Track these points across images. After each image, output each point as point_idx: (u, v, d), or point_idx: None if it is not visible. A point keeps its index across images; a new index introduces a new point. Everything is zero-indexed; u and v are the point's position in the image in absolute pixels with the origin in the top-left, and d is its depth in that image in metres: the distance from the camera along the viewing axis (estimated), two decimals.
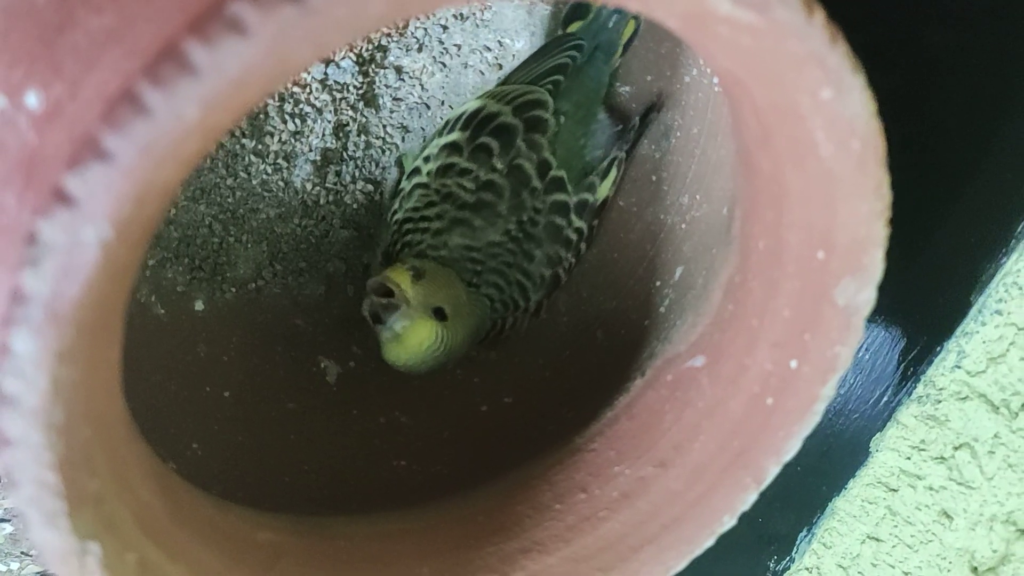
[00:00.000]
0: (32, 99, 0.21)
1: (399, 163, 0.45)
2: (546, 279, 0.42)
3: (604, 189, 0.42)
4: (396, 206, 0.42)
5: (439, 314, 0.38)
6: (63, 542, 0.21)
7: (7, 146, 0.22)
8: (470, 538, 0.33)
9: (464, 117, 0.40)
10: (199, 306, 0.43)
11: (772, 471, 0.30)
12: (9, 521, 0.58)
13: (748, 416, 0.31)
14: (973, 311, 0.39)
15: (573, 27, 0.41)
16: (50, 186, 0.20)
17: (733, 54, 0.23)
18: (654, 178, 0.43)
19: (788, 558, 0.46)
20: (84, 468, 0.21)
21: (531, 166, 0.40)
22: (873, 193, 0.25)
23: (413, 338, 0.38)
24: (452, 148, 0.40)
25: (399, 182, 0.43)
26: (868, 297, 0.27)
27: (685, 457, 0.32)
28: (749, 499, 0.31)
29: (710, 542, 0.31)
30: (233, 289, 0.43)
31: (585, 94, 0.41)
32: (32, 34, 0.21)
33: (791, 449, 0.30)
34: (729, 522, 0.31)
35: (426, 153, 0.41)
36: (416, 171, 0.41)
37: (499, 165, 0.40)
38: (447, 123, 0.41)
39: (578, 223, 0.41)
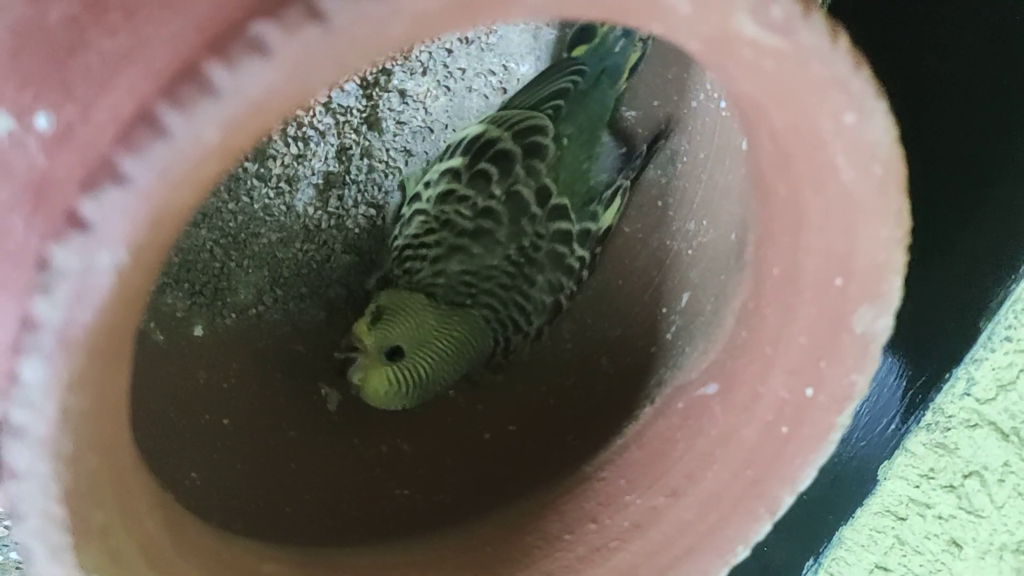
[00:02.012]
0: (42, 121, 0.21)
1: (402, 187, 0.44)
2: (547, 305, 0.41)
3: (608, 218, 0.41)
4: (396, 231, 0.42)
5: (394, 354, 0.39)
6: None
7: (15, 169, 0.21)
8: (479, 569, 0.32)
9: (464, 143, 0.40)
10: (199, 332, 0.42)
11: (787, 501, 0.30)
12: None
13: (762, 445, 0.30)
14: (982, 338, 0.38)
15: (578, 51, 0.41)
16: (63, 210, 0.19)
17: (755, 77, 0.22)
18: (660, 204, 0.43)
19: None
20: (91, 500, 0.20)
21: (529, 192, 0.40)
22: (894, 219, 0.25)
23: (369, 387, 0.39)
24: (452, 174, 0.40)
25: (401, 206, 0.43)
26: (886, 324, 0.27)
27: (698, 486, 0.31)
28: (763, 529, 0.30)
29: (723, 573, 0.31)
30: (233, 315, 0.43)
31: (589, 118, 0.41)
32: (43, 55, 0.20)
33: (806, 479, 0.30)
34: (743, 553, 0.30)
35: (427, 178, 0.41)
36: (417, 197, 0.41)
37: (497, 192, 0.40)
38: (448, 148, 0.41)
39: (580, 251, 0.41)
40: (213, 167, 0.17)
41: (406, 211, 0.41)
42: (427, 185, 0.41)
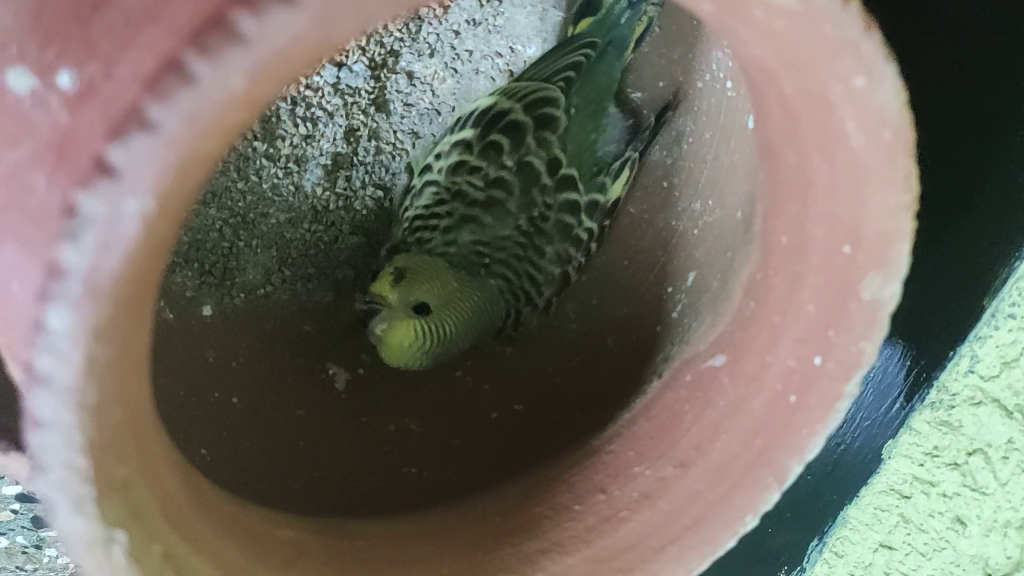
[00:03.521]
0: (65, 79, 0.21)
1: (408, 169, 0.44)
2: (556, 277, 0.42)
3: (616, 189, 0.42)
4: (408, 203, 0.42)
5: (422, 309, 0.39)
6: (90, 530, 0.21)
7: (37, 127, 0.21)
8: (488, 539, 0.32)
9: (475, 114, 0.41)
10: (207, 311, 0.43)
11: (795, 470, 0.30)
12: (4, 534, 0.57)
13: (770, 414, 0.30)
14: (986, 315, 0.39)
15: (583, 24, 0.42)
16: (89, 158, 0.19)
17: (765, 40, 0.23)
18: (665, 184, 0.43)
19: (799, 568, 0.46)
20: (114, 453, 0.20)
21: (541, 163, 0.40)
22: (902, 184, 0.25)
23: (394, 338, 0.39)
24: (463, 146, 0.40)
25: (409, 187, 0.43)
26: (894, 292, 0.27)
27: (706, 457, 0.31)
28: (772, 499, 0.30)
29: (732, 543, 0.31)
30: (242, 295, 0.43)
31: (596, 89, 0.42)
32: (66, 14, 0.21)
33: (814, 448, 0.30)
34: (752, 522, 0.31)
35: (437, 150, 0.41)
36: (428, 168, 0.41)
37: (509, 162, 0.40)
38: (458, 120, 0.41)
39: (588, 223, 0.41)
40: (239, 115, 0.18)
41: (417, 183, 0.42)
42: (438, 157, 0.41)
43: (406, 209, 0.42)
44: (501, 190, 0.40)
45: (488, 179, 0.40)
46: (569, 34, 0.42)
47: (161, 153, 0.17)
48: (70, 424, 0.19)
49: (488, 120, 0.40)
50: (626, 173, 0.42)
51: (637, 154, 0.42)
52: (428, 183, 0.41)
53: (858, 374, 0.29)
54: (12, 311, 0.23)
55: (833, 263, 0.27)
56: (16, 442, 0.31)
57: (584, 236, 0.41)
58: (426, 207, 0.41)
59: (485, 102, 0.41)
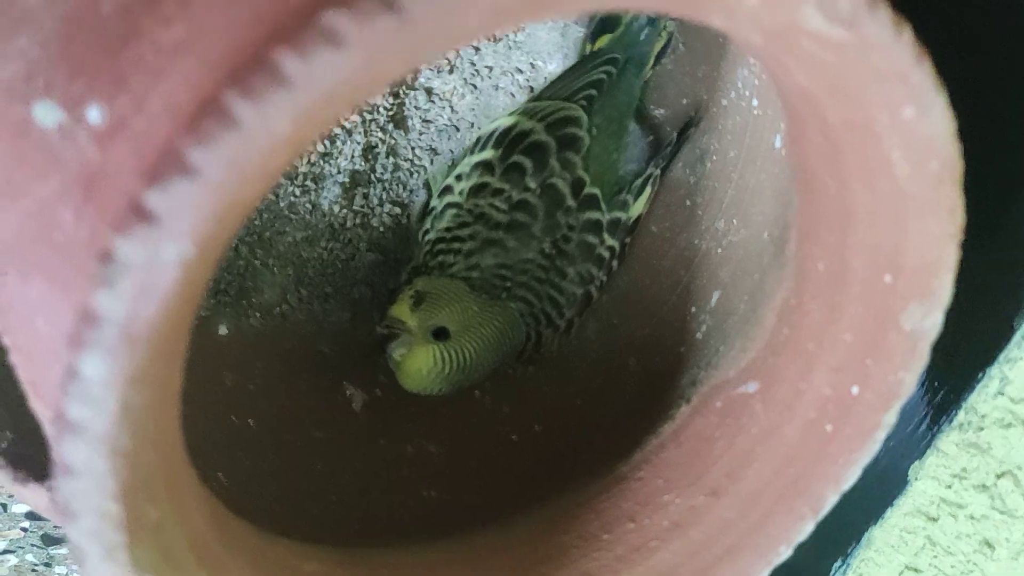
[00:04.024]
0: (94, 114, 0.20)
1: (427, 185, 0.44)
2: (578, 297, 0.41)
3: (638, 207, 0.41)
4: (428, 225, 0.41)
5: (441, 334, 0.38)
6: None
7: (65, 161, 0.21)
8: (515, 568, 0.32)
9: (496, 135, 0.40)
10: (223, 331, 0.42)
11: (831, 500, 0.30)
12: (14, 552, 0.56)
13: (804, 442, 0.30)
14: (1016, 337, 0.38)
15: (602, 41, 0.41)
16: (124, 202, 0.19)
17: (812, 70, 0.22)
18: (688, 203, 0.42)
19: None
20: (145, 495, 0.20)
21: (565, 185, 0.40)
22: (948, 214, 0.25)
23: (412, 364, 0.38)
24: (484, 167, 0.40)
25: (428, 203, 0.42)
26: (935, 322, 0.27)
27: (738, 485, 0.31)
28: (806, 528, 0.30)
29: (765, 573, 0.30)
30: (258, 314, 0.42)
31: (617, 107, 0.41)
32: (95, 46, 0.20)
33: (850, 477, 0.29)
34: (785, 552, 0.30)
35: (458, 171, 0.41)
36: (448, 189, 0.41)
37: (532, 184, 0.39)
38: (478, 140, 0.41)
39: (610, 241, 0.41)
40: (283, 158, 0.17)
41: (437, 204, 0.41)
42: (459, 178, 0.40)
43: (427, 231, 0.41)
44: (525, 213, 0.39)
45: (512, 202, 0.39)
46: (587, 51, 0.42)
47: (202, 199, 0.16)
48: (103, 471, 0.18)
49: (510, 140, 0.39)
50: (648, 190, 0.41)
51: (659, 171, 0.41)
52: (449, 205, 0.40)
53: (897, 404, 0.28)
54: (37, 346, 0.23)
55: (873, 292, 0.27)
56: (35, 472, 0.31)
57: (606, 255, 0.41)
58: (447, 230, 0.40)
59: (506, 121, 0.40)
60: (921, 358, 0.27)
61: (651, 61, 0.41)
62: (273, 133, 0.16)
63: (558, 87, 0.41)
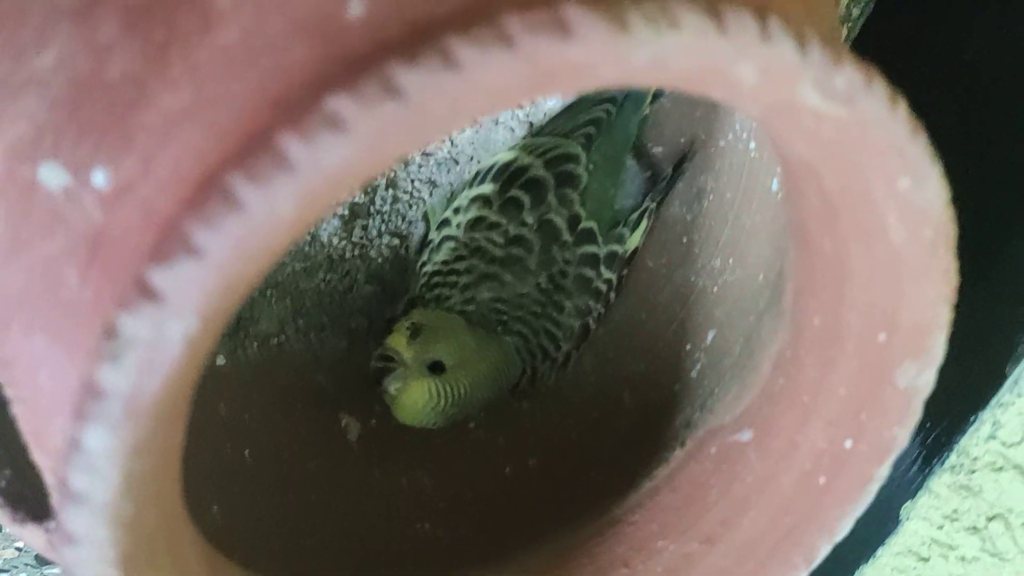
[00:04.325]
0: (100, 178, 0.20)
1: (425, 217, 0.44)
2: (575, 330, 0.41)
3: (634, 240, 0.41)
4: (425, 257, 0.41)
5: (437, 368, 0.39)
6: None
7: (70, 223, 0.21)
8: None
9: (495, 169, 0.40)
10: (220, 361, 0.42)
11: (823, 550, 0.30)
12: (8, 572, 0.56)
13: (799, 493, 0.30)
14: (1009, 382, 0.38)
15: None
16: (128, 266, 0.19)
17: (811, 142, 0.22)
18: (685, 240, 0.43)
19: None
20: (146, 561, 0.20)
21: (562, 221, 0.40)
22: (941, 278, 0.25)
23: (408, 398, 0.39)
24: (482, 201, 0.40)
25: (426, 235, 0.43)
26: (929, 379, 0.27)
27: (733, 533, 0.31)
28: None
29: None
30: (255, 344, 0.43)
31: (614, 145, 0.41)
32: (102, 110, 0.20)
33: (844, 529, 0.30)
34: None
35: (456, 204, 0.41)
36: (446, 222, 0.41)
37: (529, 220, 0.40)
38: (477, 174, 0.41)
39: (607, 274, 0.41)
40: (286, 238, 0.17)
41: (435, 236, 0.41)
42: (457, 211, 0.41)
43: (424, 264, 0.41)
44: (521, 248, 0.40)
45: (508, 236, 0.40)
46: None
47: (206, 278, 0.16)
48: (104, 540, 0.19)
49: (508, 175, 0.40)
50: (644, 223, 0.42)
51: (655, 204, 0.42)
52: (447, 238, 0.41)
53: (890, 458, 0.28)
54: (40, 400, 0.23)
55: (868, 349, 0.27)
56: (33, 512, 0.31)
57: (603, 288, 0.41)
58: (445, 263, 0.40)
59: (505, 156, 0.40)
60: (915, 414, 0.28)
61: (649, 99, 0.42)
62: (276, 215, 0.16)
63: (558, 123, 0.41)
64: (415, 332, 0.39)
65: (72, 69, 0.21)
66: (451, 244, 0.41)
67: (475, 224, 0.40)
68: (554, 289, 0.41)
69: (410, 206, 0.44)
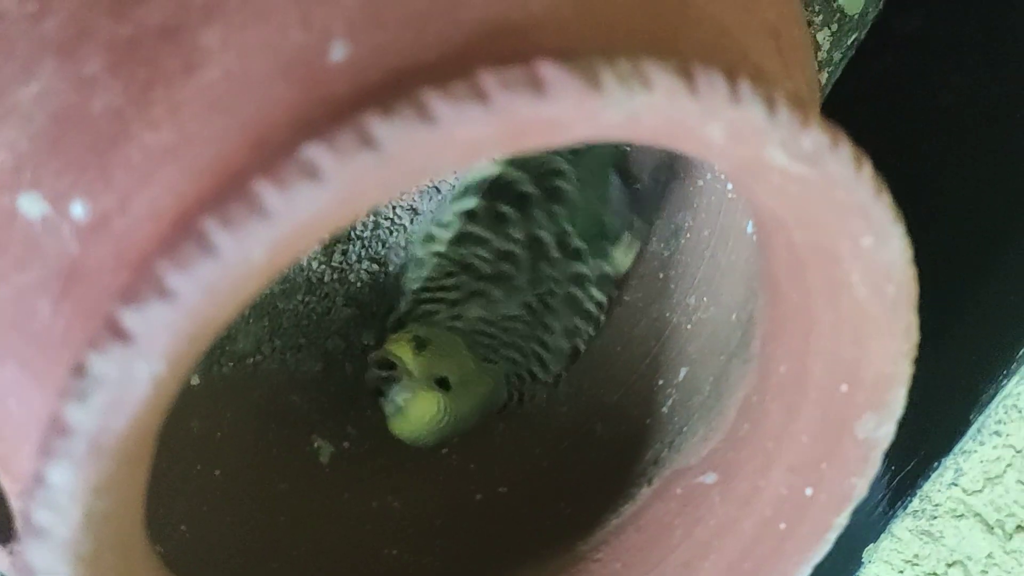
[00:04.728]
0: (78, 209, 0.21)
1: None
2: (565, 352, 0.41)
3: (626, 261, 0.41)
4: (411, 274, 0.41)
5: (442, 384, 0.38)
6: None
7: (46, 254, 0.21)
8: None
9: (480, 183, 0.40)
10: (194, 380, 0.42)
11: None
12: None
13: (760, 539, 0.30)
14: (972, 430, 0.39)
15: None
16: (99, 301, 0.19)
17: (779, 198, 0.23)
18: (661, 275, 0.43)
19: None
20: None
21: (550, 236, 0.40)
22: (903, 334, 0.25)
23: (415, 410, 0.37)
24: (468, 216, 0.40)
25: (410, 257, 0.42)
26: (888, 432, 0.28)
27: None
28: None
29: None
30: (231, 363, 0.43)
31: (597, 159, 0.41)
32: (84, 144, 0.21)
33: (802, 575, 0.30)
34: None
35: (442, 220, 0.41)
36: (431, 237, 0.41)
37: (518, 235, 0.39)
38: (462, 188, 0.41)
39: (598, 296, 0.41)
40: (257, 284, 0.18)
41: (420, 252, 0.41)
42: (442, 226, 0.40)
43: (409, 281, 0.41)
44: (510, 264, 0.39)
45: (497, 252, 0.39)
46: None
47: (176, 321, 0.17)
48: (65, 574, 0.19)
49: (496, 190, 0.40)
50: (637, 244, 0.41)
51: (642, 221, 0.42)
52: (432, 254, 0.40)
53: (848, 507, 0.29)
54: (8, 426, 0.23)
55: (830, 399, 0.28)
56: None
57: (594, 309, 0.41)
58: (432, 279, 0.40)
59: (490, 170, 0.40)
60: (874, 466, 0.28)
61: None
62: (249, 261, 0.17)
63: None
64: (420, 345, 0.38)
65: (55, 103, 0.21)
66: (437, 260, 0.40)
67: (462, 240, 0.40)
68: (544, 310, 0.40)
69: (391, 232, 0.44)
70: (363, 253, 0.44)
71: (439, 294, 0.40)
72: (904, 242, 0.24)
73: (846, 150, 0.21)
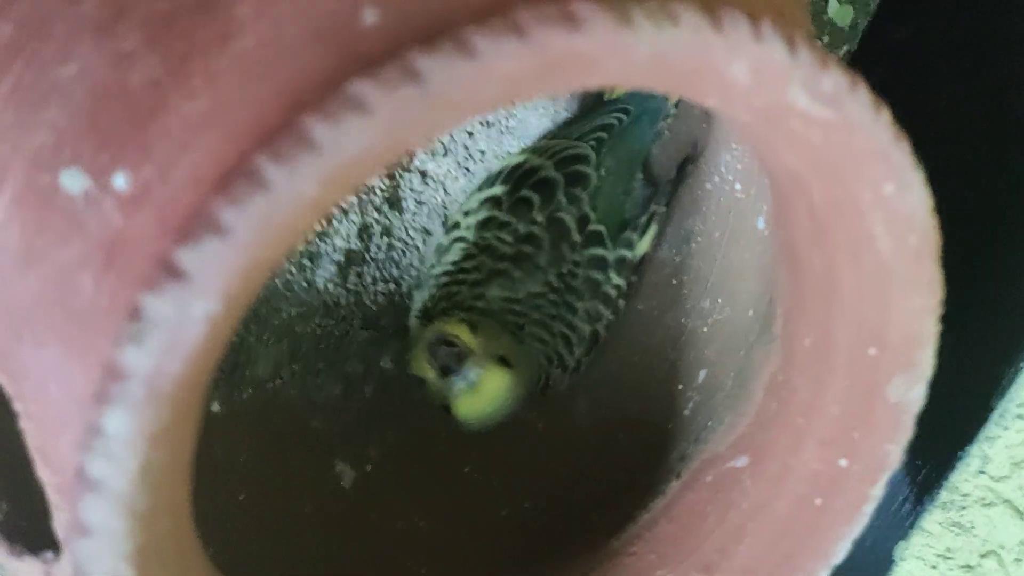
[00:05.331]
0: (120, 180, 0.21)
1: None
2: (587, 336, 0.41)
3: (643, 245, 0.42)
4: (435, 260, 0.41)
5: (505, 362, 0.38)
6: None
7: (88, 227, 0.22)
8: None
9: (505, 172, 0.41)
10: (216, 407, 0.42)
11: (821, 575, 0.30)
12: None
13: (795, 517, 0.30)
14: (995, 415, 0.39)
15: (618, 91, 0.42)
16: (143, 270, 0.19)
17: (800, 150, 0.23)
18: (674, 282, 0.44)
19: None
20: (157, 560, 0.20)
21: (571, 219, 0.40)
22: (927, 288, 0.26)
23: (488, 386, 0.37)
24: (492, 202, 0.40)
25: (437, 245, 0.42)
26: (919, 394, 0.28)
27: (731, 561, 0.31)
28: None
29: None
30: (251, 389, 0.43)
31: (627, 152, 0.42)
32: (123, 117, 0.21)
33: (841, 552, 0.30)
34: None
35: (466, 208, 0.41)
36: (456, 225, 0.41)
37: (539, 218, 0.40)
38: (488, 178, 0.41)
39: (617, 280, 0.41)
40: (309, 219, 0.18)
41: (445, 240, 0.41)
42: (467, 214, 0.41)
43: (433, 266, 0.41)
44: (531, 245, 0.40)
45: (518, 234, 0.40)
46: (604, 98, 0.43)
47: (231, 257, 0.17)
48: (119, 531, 0.19)
49: (519, 176, 0.40)
50: (653, 227, 0.42)
51: (663, 208, 0.42)
52: (456, 239, 0.41)
53: (884, 476, 0.29)
54: (49, 412, 0.23)
55: (858, 365, 0.28)
56: (30, 545, 0.30)
57: (613, 293, 0.41)
58: (454, 263, 0.40)
59: (515, 159, 0.41)
60: (907, 430, 0.28)
61: (663, 114, 0.42)
62: (301, 195, 0.17)
63: (569, 128, 0.42)
64: (473, 326, 0.38)
65: (94, 80, 0.21)
66: (461, 245, 0.40)
67: (485, 224, 0.40)
68: (565, 289, 0.40)
69: (404, 253, 0.45)
70: (378, 275, 0.45)
71: (460, 276, 0.40)
72: (925, 189, 0.24)
73: (865, 93, 0.22)
